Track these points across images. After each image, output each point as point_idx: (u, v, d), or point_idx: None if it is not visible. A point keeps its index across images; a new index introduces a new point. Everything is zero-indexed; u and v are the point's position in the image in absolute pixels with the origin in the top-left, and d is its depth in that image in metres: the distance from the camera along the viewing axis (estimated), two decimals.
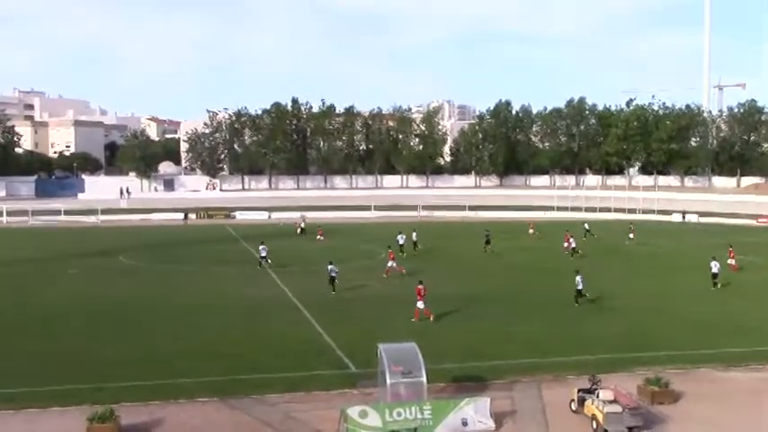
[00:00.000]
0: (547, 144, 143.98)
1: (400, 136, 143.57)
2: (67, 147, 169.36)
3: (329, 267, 41.52)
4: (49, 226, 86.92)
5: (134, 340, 30.35)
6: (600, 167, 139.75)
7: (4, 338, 30.66)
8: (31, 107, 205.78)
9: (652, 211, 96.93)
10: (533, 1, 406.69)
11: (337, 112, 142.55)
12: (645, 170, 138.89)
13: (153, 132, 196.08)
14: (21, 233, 78.91)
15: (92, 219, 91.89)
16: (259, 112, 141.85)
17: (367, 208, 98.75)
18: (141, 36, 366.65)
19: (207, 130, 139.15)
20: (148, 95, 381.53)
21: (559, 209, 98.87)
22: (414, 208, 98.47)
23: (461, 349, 28.72)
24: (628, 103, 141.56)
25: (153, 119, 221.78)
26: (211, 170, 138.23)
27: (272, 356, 27.80)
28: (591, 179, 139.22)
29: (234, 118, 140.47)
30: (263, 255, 50.88)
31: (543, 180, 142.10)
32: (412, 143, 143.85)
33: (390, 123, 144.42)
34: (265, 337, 31.05)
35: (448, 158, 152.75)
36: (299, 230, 73.51)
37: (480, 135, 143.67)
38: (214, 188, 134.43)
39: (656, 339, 30.86)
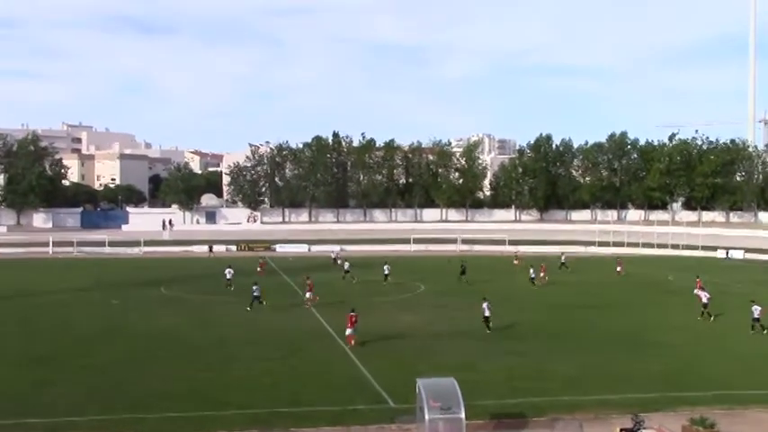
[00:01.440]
0: (588, 178, 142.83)
1: (440, 170, 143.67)
2: (113, 179, 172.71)
3: (253, 288, 47.49)
4: (93, 257, 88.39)
5: (174, 371, 30.59)
6: (642, 202, 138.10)
7: (46, 367, 31.12)
8: (78, 140, 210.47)
9: (696, 247, 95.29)
10: (574, 35, 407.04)
11: (377, 145, 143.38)
12: (688, 205, 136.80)
13: (196, 165, 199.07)
14: (66, 264, 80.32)
15: (135, 250, 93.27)
16: (300, 145, 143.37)
17: (406, 241, 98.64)
18: (186, 71, 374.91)
19: (249, 164, 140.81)
20: (192, 129, 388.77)
21: (600, 244, 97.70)
22: (453, 242, 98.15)
23: (500, 385, 28.42)
24: (670, 138, 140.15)
25: (196, 152, 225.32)
26: (252, 203, 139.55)
27: (310, 389, 27.79)
28: (633, 214, 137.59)
29: (275, 151, 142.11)
30: (228, 278, 56.20)
31: (584, 215, 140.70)
32: (452, 177, 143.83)
33: (430, 157, 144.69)
34: (304, 369, 31.06)
35: (488, 192, 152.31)
36: (337, 261, 73.72)
37: (520, 169, 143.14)
38: (255, 221, 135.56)
39: (701, 377, 30.19)
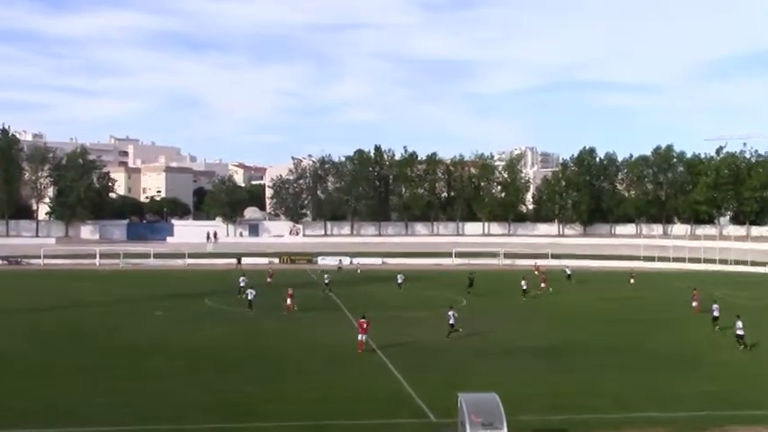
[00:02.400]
0: (632, 192, 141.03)
1: (482, 183, 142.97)
2: (158, 192, 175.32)
3: (248, 291, 52.50)
4: (138, 269, 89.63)
5: (216, 382, 30.71)
6: (688, 216, 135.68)
7: (87, 376, 31.49)
8: (125, 154, 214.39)
9: (745, 262, 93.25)
10: (617, 49, 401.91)
11: (419, 159, 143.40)
12: (737, 219, 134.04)
13: (239, 178, 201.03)
14: (112, 275, 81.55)
15: (179, 262, 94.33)
16: (342, 159, 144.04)
17: (448, 255, 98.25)
18: (231, 87, 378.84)
19: (291, 177, 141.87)
20: (236, 143, 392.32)
21: (646, 258, 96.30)
22: (495, 255, 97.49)
23: (543, 401, 27.96)
24: (718, 151, 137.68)
25: (240, 165, 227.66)
26: (295, 216, 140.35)
27: (351, 403, 27.66)
28: (679, 228, 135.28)
29: (318, 165, 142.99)
30: (242, 285, 57.97)
31: (629, 229, 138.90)
32: (494, 190, 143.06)
33: (472, 170, 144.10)
34: (345, 382, 30.96)
35: (530, 206, 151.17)
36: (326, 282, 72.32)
37: (564, 182, 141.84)
38: (297, 234, 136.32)
39: (751, 396, 29.36)
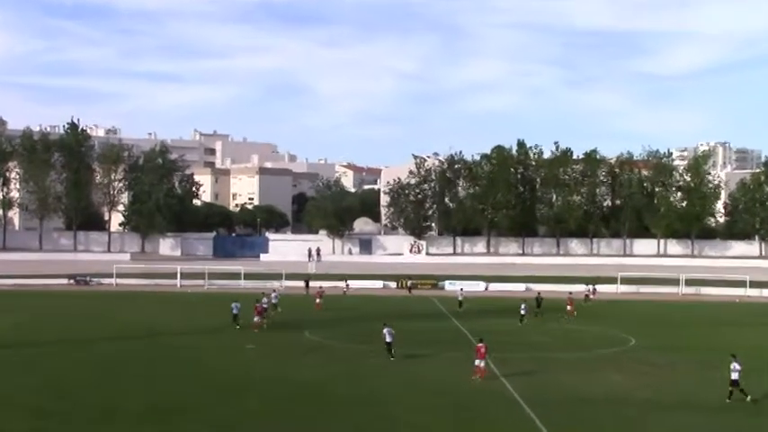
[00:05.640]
0: None
1: (657, 189, 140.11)
2: (250, 198, 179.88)
3: (233, 305, 60.88)
4: (227, 292, 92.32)
5: (317, 430, 31.42)
6: None
7: (172, 420, 32.81)
8: (212, 152, 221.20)
9: None
10: None
11: (575, 157, 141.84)
12: None
13: (349, 182, 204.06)
14: (196, 299, 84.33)
15: (275, 284, 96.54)
16: (477, 157, 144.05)
17: (612, 281, 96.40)
18: (336, 67, 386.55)
19: (412, 180, 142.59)
20: (345, 138, 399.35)
21: None
22: (674, 282, 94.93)
23: None
24: None
25: (349, 166, 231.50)
26: (417, 229, 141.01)
27: None
28: None
29: (445, 165, 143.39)
30: (273, 301, 67.01)
31: None
32: (672, 198, 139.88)
33: (644, 173, 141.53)
34: None
35: (721, 219, 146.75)
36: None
37: (766, 188, 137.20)
38: (419, 251, 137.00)
39: None
